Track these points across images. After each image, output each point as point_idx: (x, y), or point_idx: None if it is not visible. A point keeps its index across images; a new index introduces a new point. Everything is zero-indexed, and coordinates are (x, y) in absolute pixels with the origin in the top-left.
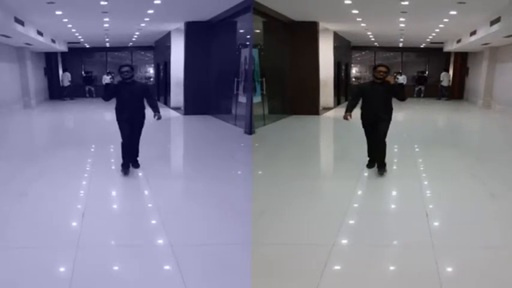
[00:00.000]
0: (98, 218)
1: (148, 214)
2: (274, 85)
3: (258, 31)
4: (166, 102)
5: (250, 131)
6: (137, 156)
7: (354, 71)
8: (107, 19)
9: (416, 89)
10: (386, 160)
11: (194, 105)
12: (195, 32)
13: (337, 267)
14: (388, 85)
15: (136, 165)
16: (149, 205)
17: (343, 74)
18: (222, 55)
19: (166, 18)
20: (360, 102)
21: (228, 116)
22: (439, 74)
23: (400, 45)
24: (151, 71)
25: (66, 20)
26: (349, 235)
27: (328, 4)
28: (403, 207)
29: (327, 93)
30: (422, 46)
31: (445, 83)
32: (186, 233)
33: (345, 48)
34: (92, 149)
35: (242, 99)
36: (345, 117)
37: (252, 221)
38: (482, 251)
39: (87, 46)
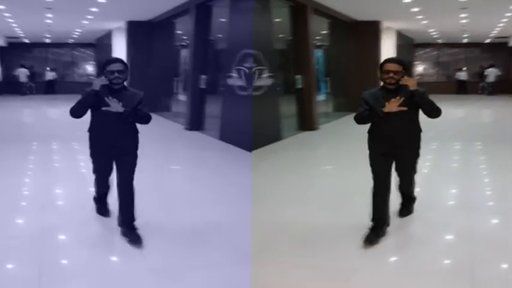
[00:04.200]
0: (53, 211)
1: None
2: (338, 84)
3: (324, 32)
4: None
5: (190, 127)
6: (133, 219)
7: (420, 68)
8: (50, 15)
9: (481, 85)
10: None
11: None
12: (136, 31)
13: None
14: (408, 92)
15: (135, 237)
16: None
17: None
18: (162, 55)
19: (108, 16)
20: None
21: (169, 113)
22: (505, 69)
23: (464, 41)
24: (89, 68)
25: (7, 14)
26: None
27: (389, 3)
28: (460, 201)
29: None
30: (487, 42)
31: (490, 79)
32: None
33: (407, 46)
34: (34, 146)
35: (181, 97)
36: (381, 111)
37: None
38: None
39: (27, 41)
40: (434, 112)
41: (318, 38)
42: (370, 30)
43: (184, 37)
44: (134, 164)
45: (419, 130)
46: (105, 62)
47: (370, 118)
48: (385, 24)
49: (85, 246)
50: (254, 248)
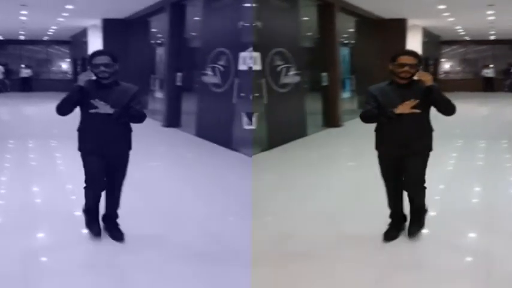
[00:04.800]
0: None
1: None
2: (364, 81)
3: (350, 30)
4: None
5: (167, 123)
6: (116, 216)
7: (446, 65)
8: (24, 12)
9: (507, 82)
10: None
11: None
12: (112, 29)
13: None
14: (423, 88)
15: (118, 233)
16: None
17: (432, 70)
18: (138, 52)
19: (84, 14)
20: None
21: (146, 111)
22: None
23: (491, 38)
24: (64, 66)
25: None
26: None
27: (415, 0)
28: (483, 200)
29: None
30: None
31: None
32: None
33: (433, 44)
34: (11, 145)
35: (158, 94)
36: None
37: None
38: None
39: (1, 38)
40: (449, 109)
41: (344, 35)
42: (396, 28)
43: (160, 35)
44: (125, 165)
45: (431, 129)
46: (91, 54)
47: (378, 118)
48: (411, 21)
49: (67, 248)
50: (255, 248)
